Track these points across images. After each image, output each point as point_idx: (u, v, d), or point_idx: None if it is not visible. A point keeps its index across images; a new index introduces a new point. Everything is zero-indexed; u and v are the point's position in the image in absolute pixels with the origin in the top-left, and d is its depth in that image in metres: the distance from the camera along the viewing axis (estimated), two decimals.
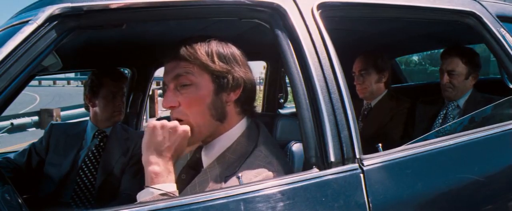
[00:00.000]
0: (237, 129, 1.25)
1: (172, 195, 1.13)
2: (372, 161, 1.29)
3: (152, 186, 1.12)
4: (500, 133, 1.61)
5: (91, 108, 2.15)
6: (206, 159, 1.25)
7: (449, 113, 2.24)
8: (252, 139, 1.24)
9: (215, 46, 1.21)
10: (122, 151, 2.12)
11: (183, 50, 1.18)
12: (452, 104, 2.24)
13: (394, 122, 2.40)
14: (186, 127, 1.18)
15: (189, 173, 1.28)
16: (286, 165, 1.26)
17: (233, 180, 1.16)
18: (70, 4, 1.11)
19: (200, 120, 1.20)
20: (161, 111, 11.05)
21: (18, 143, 6.46)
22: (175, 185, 1.16)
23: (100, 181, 2.05)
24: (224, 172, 1.19)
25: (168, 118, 1.23)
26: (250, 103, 1.26)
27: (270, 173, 1.17)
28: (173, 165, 1.17)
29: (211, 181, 1.19)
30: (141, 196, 1.13)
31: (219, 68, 1.19)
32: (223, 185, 1.16)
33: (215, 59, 1.19)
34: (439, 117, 2.26)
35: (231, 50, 1.23)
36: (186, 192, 1.19)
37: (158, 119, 1.21)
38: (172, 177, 1.16)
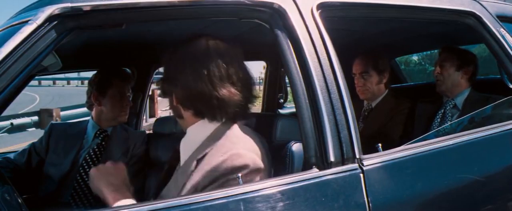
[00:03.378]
0: (199, 127, 1.28)
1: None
2: (372, 161, 1.29)
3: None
4: (500, 133, 1.61)
5: (95, 107, 2.15)
6: (183, 148, 1.32)
7: (447, 112, 2.25)
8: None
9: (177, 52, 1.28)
10: (122, 151, 2.12)
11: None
12: (450, 103, 2.25)
13: (394, 122, 2.40)
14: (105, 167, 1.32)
15: (172, 164, 1.38)
16: (260, 146, 1.26)
17: (204, 161, 1.19)
18: (69, 4, 1.11)
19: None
20: (161, 111, 11.05)
21: (18, 143, 6.46)
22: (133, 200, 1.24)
23: None
24: (197, 155, 1.23)
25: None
26: (203, 111, 1.26)
27: (238, 152, 1.17)
28: (124, 190, 1.26)
29: (185, 165, 1.25)
30: None
31: (172, 72, 1.28)
32: (193, 166, 1.20)
33: (171, 64, 1.29)
34: (437, 117, 2.27)
35: (192, 53, 1.26)
36: (169, 178, 1.30)
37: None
38: (129, 196, 1.25)
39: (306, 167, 1.24)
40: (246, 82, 1.27)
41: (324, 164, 1.22)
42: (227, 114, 1.25)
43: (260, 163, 1.19)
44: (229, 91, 1.22)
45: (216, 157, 1.17)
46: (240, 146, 1.19)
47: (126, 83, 2.16)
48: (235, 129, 1.26)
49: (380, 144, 1.39)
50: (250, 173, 1.16)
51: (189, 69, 1.23)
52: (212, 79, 1.21)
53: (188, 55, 1.25)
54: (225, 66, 1.23)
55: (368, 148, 1.34)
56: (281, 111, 3.18)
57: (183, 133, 1.34)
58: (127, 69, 2.57)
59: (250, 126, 1.38)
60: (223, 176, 1.15)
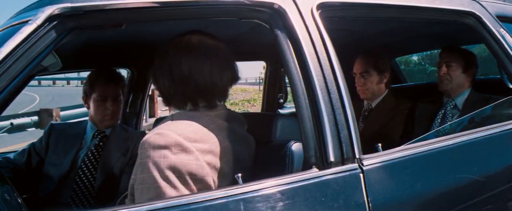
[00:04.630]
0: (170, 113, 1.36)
1: None
2: (372, 161, 1.29)
3: None
4: (500, 133, 1.61)
5: (88, 108, 2.16)
6: None
7: (448, 112, 2.25)
8: None
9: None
10: (122, 151, 2.12)
11: None
12: (450, 104, 2.25)
13: (394, 123, 2.40)
14: None
15: None
16: (202, 135, 1.24)
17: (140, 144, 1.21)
18: (69, 4, 1.11)
19: None
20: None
21: (18, 143, 6.46)
22: None
23: (99, 181, 2.05)
24: None
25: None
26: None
27: (161, 131, 1.19)
28: None
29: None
30: None
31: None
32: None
33: None
34: (438, 117, 2.27)
35: None
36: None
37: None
38: None
39: (306, 167, 1.24)
40: (209, 76, 1.29)
41: (324, 164, 1.22)
42: (186, 103, 1.31)
43: (187, 146, 1.18)
44: (189, 82, 1.27)
45: (146, 136, 1.22)
46: (168, 128, 1.21)
47: (109, 86, 2.10)
48: (181, 114, 1.29)
49: (380, 144, 1.39)
50: (176, 153, 1.17)
51: (158, 63, 1.31)
52: (172, 72, 1.27)
53: (159, 50, 1.33)
54: (189, 62, 1.27)
55: (368, 148, 1.34)
56: (281, 111, 3.18)
57: None
58: (127, 69, 2.57)
59: (248, 125, 1.38)
60: (144, 154, 1.17)
